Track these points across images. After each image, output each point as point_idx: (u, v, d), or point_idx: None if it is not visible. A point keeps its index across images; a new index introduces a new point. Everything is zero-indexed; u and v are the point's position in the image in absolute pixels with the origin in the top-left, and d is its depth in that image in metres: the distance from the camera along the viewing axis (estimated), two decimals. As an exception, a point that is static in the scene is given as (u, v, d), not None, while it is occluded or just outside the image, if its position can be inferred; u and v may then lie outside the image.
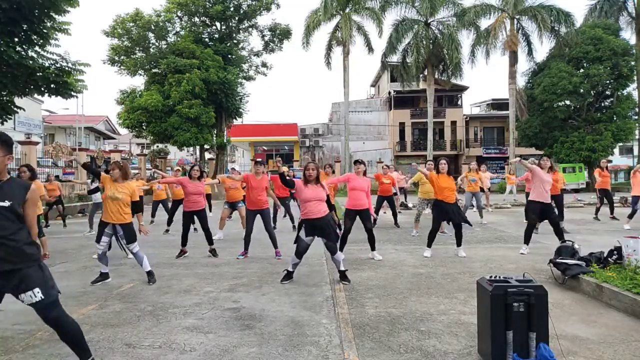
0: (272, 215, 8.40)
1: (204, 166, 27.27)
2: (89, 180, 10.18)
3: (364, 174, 6.65)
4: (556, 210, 8.11)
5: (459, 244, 6.78)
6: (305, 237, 5.19)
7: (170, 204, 10.98)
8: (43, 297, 2.56)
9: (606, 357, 3.10)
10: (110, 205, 5.21)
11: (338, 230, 5.43)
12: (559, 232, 6.66)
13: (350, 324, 3.81)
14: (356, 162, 6.74)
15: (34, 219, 2.69)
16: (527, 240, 6.92)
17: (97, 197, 9.54)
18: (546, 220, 7.01)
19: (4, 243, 2.49)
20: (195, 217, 7.16)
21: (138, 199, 5.31)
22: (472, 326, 3.59)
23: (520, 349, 2.80)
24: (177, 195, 10.21)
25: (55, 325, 2.66)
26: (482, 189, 12.11)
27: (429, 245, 6.80)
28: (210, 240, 7.09)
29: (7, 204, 2.50)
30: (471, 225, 6.89)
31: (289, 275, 5.34)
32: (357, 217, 6.47)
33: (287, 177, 5.30)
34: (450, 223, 6.90)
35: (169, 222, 10.15)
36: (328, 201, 5.36)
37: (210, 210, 13.45)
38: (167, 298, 4.68)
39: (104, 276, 5.40)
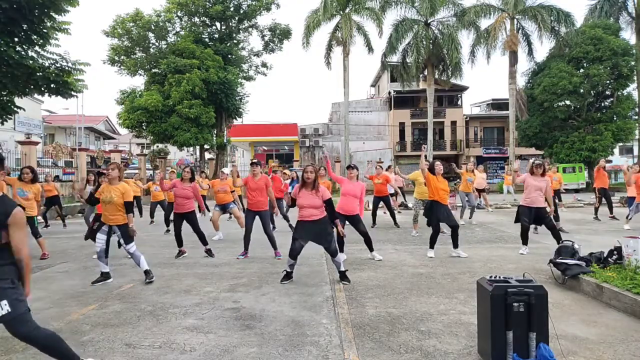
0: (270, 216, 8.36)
1: (204, 166, 27.28)
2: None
3: (357, 177, 6.63)
4: None
5: (455, 245, 6.79)
6: (297, 239, 5.18)
7: (167, 203, 11.01)
8: (10, 310, 2.46)
9: (606, 357, 3.10)
10: (105, 209, 5.26)
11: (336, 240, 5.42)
12: (556, 235, 6.66)
13: (350, 324, 3.81)
14: (349, 167, 6.70)
15: (20, 242, 2.56)
16: (524, 241, 6.93)
17: None
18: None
19: None
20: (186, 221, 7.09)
21: (130, 200, 5.27)
22: (472, 326, 3.59)
23: (520, 349, 2.80)
24: (171, 198, 10.25)
25: (28, 341, 2.58)
26: (477, 189, 12.15)
27: (432, 247, 6.80)
28: (204, 241, 7.11)
29: None
30: (458, 227, 6.88)
31: (288, 276, 5.35)
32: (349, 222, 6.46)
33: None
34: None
35: (167, 222, 10.17)
36: (331, 207, 5.25)
37: (208, 210, 13.49)
38: (167, 298, 4.68)
39: (105, 276, 5.40)
